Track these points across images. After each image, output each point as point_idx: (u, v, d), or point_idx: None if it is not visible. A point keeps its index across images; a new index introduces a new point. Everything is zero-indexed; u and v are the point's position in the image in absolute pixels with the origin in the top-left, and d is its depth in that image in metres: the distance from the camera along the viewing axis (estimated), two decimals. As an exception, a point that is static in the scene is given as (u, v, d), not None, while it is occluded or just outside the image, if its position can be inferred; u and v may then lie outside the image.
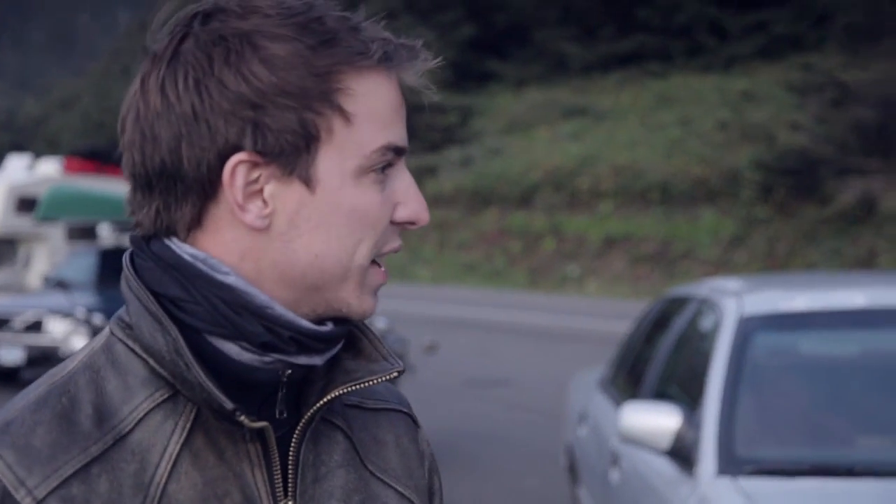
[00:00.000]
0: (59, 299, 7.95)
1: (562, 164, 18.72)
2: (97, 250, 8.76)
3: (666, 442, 2.97)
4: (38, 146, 28.31)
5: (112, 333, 0.62)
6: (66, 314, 7.69)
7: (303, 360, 0.61)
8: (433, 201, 18.01)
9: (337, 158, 0.59)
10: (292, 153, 0.58)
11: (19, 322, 7.78)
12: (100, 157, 11.87)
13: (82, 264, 9.27)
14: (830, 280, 4.98)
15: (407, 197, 0.62)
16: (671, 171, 18.12)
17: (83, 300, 7.94)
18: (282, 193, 0.59)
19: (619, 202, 17.98)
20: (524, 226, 19.07)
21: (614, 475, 3.67)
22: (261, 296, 0.59)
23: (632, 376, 4.18)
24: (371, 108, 0.59)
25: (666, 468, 3.04)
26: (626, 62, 20.29)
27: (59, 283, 8.22)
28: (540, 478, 6.04)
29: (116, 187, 9.15)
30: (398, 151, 0.61)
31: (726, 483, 2.74)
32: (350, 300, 0.61)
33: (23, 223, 10.68)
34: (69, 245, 10.25)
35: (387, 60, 0.59)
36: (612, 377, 4.43)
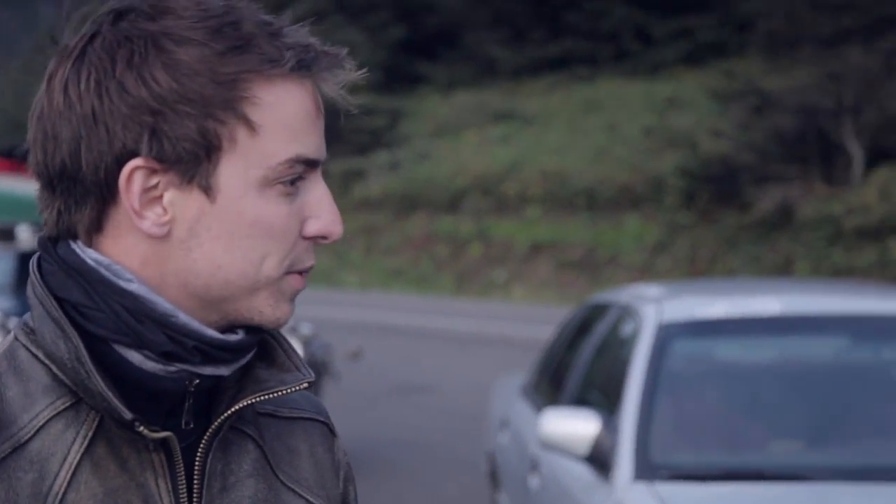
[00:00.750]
0: (-26, 303, 8.05)
1: (490, 168, 19.13)
2: (15, 253, 8.96)
3: (584, 448, 3.09)
4: (-47, 144, 27.68)
5: (16, 338, 0.63)
6: (-19, 318, 7.82)
7: (209, 370, 0.62)
8: (361, 206, 17.64)
9: (240, 168, 0.59)
10: (191, 161, 0.58)
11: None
12: (17, 157, 12.22)
13: (-1, 267, 9.37)
14: (748, 287, 5.01)
15: (319, 210, 0.62)
16: (597, 176, 18.53)
17: (0, 304, 7.76)
18: (181, 201, 0.60)
19: (546, 207, 18.44)
20: (451, 231, 19.53)
21: (534, 481, 3.79)
22: (164, 304, 0.60)
23: (553, 382, 4.29)
24: (280, 118, 0.60)
25: (584, 474, 3.20)
26: (555, 66, 20.65)
27: (-27, 287, 8.35)
28: (460, 484, 6.13)
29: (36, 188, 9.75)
30: (310, 164, 0.61)
31: (642, 488, 2.87)
32: (263, 309, 0.62)
33: (-63, 225, 10.54)
34: (-15, 247, 10.23)
35: (302, 69, 0.60)
36: (534, 383, 4.54)
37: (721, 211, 17.07)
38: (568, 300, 13.25)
